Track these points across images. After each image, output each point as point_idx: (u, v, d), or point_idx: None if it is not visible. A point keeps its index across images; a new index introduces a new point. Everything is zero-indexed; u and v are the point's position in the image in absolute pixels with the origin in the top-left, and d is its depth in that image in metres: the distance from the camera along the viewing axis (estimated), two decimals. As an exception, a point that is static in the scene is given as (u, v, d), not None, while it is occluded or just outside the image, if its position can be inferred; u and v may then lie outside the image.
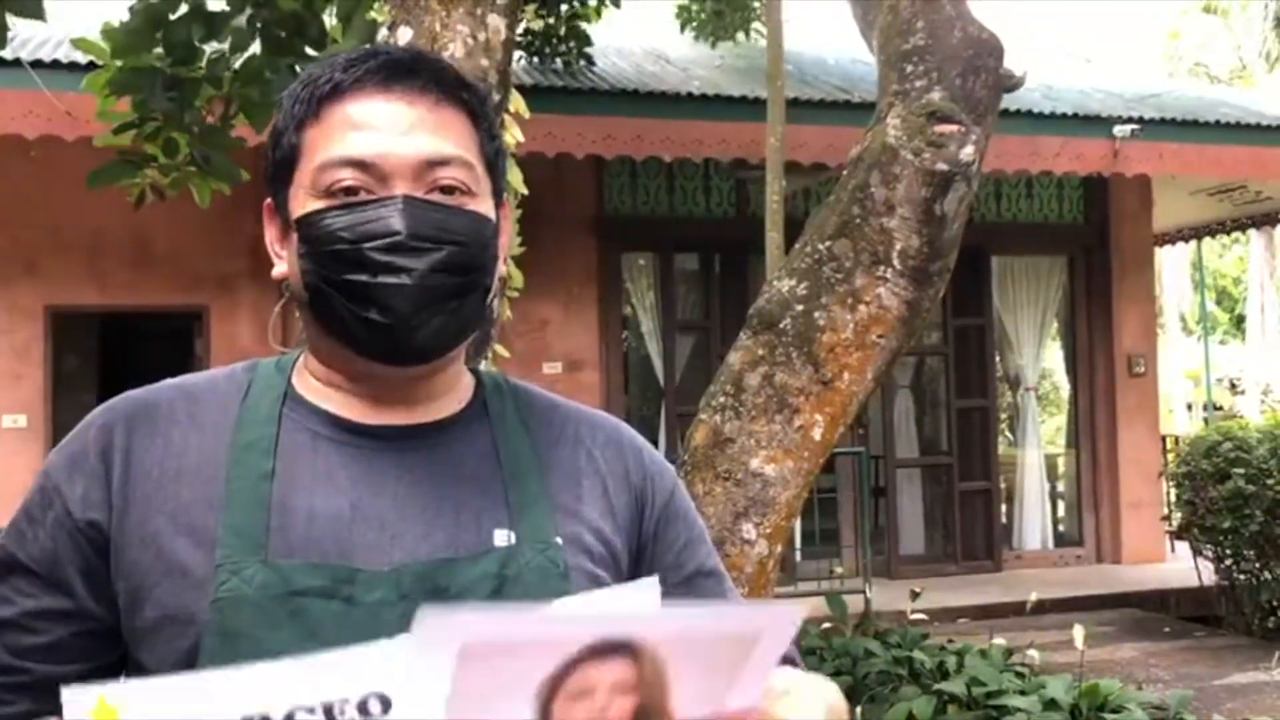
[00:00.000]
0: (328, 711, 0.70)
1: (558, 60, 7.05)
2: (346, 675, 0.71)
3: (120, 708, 0.69)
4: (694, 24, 8.08)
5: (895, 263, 3.43)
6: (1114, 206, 8.73)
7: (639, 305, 8.06)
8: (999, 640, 4.89)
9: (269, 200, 0.97)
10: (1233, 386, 19.60)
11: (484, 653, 0.63)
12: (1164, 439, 9.33)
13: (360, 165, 0.90)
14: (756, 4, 8.00)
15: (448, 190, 0.92)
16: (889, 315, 3.42)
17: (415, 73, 0.93)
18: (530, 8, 6.64)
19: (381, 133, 0.90)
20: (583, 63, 7.10)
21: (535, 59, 7.05)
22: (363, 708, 0.70)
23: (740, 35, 8.22)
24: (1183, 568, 7.77)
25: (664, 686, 0.67)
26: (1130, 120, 7.41)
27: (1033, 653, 4.63)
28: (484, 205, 0.95)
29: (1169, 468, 8.08)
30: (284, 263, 0.96)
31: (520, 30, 6.20)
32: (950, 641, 5.01)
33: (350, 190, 0.90)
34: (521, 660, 0.64)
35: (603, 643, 0.64)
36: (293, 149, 0.93)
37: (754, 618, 0.68)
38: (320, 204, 0.90)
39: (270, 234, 0.98)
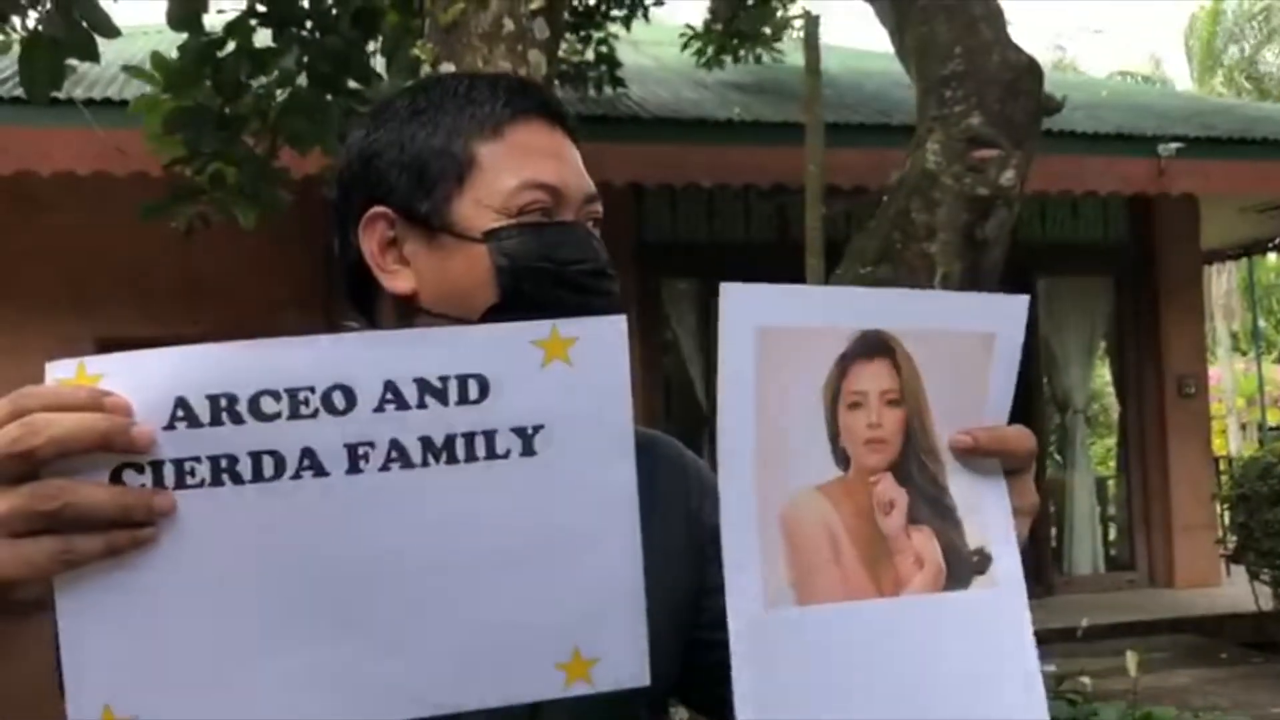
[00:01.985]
0: (424, 388, 0.68)
1: (589, 87, 7.07)
2: (441, 351, 0.69)
3: (102, 376, 0.65)
4: (698, 51, 8.02)
5: (937, 288, 3.42)
6: (1160, 226, 8.61)
7: (680, 330, 8.07)
8: (1050, 667, 4.81)
9: (380, 209, 0.93)
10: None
11: (777, 341, 0.76)
12: (1217, 460, 9.15)
13: (552, 191, 0.93)
14: (768, 30, 7.97)
15: (597, 224, 0.97)
16: (931, 340, 3.40)
17: (561, 111, 0.99)
18: (570, 36, 6.70)
19: (564, 163, 0.95)
20: (620, 89, 7.13)
21: (568, 86, 7.09)
22: (462, 390, 0.69)
23: (767, 57, 8.19)
24: (1239, 592, 7.61)
25: (922, 398, 0.79)
26: (1175, 139, 7.33)
27: (1085, 679, 4.56)
28: None
29: (1222, 490, 7.93)
30: (396, 278, 0.92)
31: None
32: (999, 669, 4.93)
33: (544, 212, 0.92)
34: (806, 352, 0.76)
35: (866, 337, 0.77)
36: (462, 160, 0.92)
37: (984, 307, 0.81)
38: (513, 221, 0.91)
39: (375, 245, 0.93)
